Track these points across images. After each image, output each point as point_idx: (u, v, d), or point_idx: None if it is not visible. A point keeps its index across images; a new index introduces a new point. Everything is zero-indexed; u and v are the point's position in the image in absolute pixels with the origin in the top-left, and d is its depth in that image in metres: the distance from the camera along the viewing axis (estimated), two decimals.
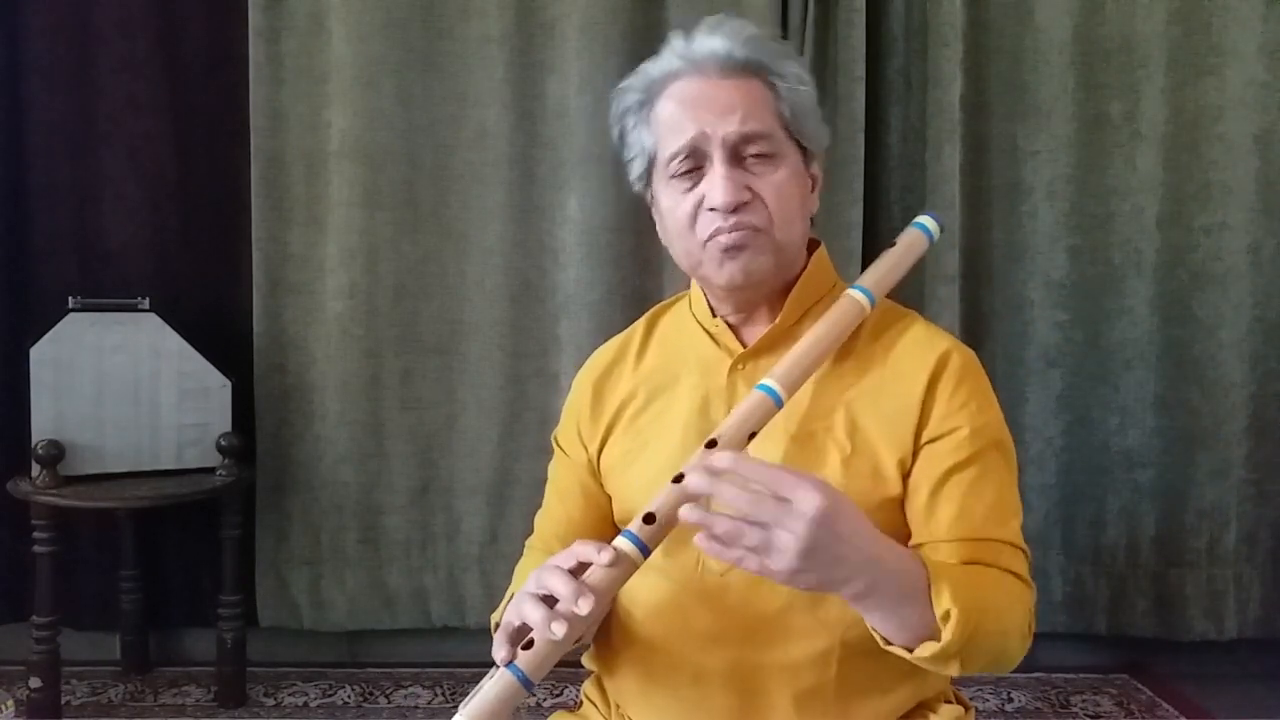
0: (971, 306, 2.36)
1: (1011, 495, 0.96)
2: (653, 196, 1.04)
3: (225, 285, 2.33)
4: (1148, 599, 2.37)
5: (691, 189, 0.97)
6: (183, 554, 2.34)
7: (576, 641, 0.91)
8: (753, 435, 0.86)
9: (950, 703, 1.04)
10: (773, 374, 0.89)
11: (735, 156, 0.96)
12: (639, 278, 2.30)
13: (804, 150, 1.01)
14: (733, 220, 0.95)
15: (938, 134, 2.29)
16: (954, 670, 0.86)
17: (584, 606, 0.79)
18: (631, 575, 0.84)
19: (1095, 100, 2.32)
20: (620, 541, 0.82)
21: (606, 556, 0.81)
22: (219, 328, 2.29)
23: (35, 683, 2.03)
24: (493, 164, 2.30)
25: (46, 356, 2.07)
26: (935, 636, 0.83)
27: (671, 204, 0.99)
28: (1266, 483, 2.35)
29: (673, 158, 0.97)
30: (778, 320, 1.00)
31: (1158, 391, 2.34)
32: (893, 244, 1.00)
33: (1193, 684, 2.30)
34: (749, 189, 0.95)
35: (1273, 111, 2.29)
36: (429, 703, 2.22)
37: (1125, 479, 2.36)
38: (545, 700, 2.21)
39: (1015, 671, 2.36)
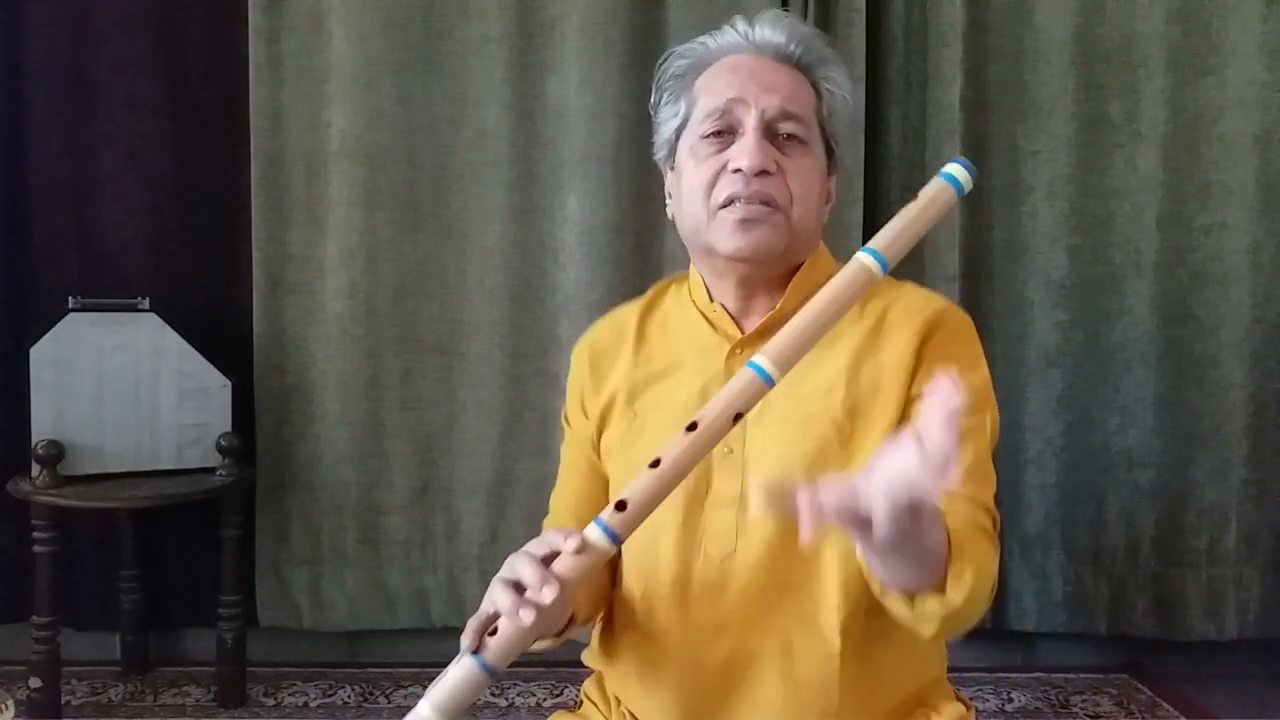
0: (971, 306, 2.35)
1: (987, 460, 0.96)
2: (673, 166, 1.05)
3: (225, 285, 2.33)
4: (1148, 599, 2.37)
5: (716, 154, 0.98)
6: (183, 554, 2.34)
7: (557, 636, 0.92)
8: (739, 417, 0.80)
9: (952, 701, 1.04)
10: (765, 350, 0.80)
11: (769, 132, 0.97)
12: (639, 278, 2.29)
13: (830, 157, 1.03)
14: (753, 187, 0.95)
15: (938, 134, 2.29)
16: (929, 630, 0.85)
17: (547, 595, 0.77)
18: (601, 563, 0.82)
19: (1095, 100, 2.32)
20: (590, 530, 0.80)
21: (573, 544, 0.80)
22: (219, 328, 2.29)
23: (35, 683, 2.02)
24: (493, 164, 2.30)
25: (46, 356, 2.07)
26: (940, 590, 0.82)
27: (693, 166, 1.00)
28: (1266, 483, 2.35)
29: (707, 116, 0.99)
30: (778, 306, 1.00)
31: (1158, 391, 2.34)
32: (914, 197, 0.86)
33: (1193, 684, 2.30)
34: (777, 162, 0.97)
35: (1273, 111, 2.30)
36: None
37: (1125, 479, 2.36)
38: (545, 700, 2.21)
39: (1015, 671, 2.39)
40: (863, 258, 0.82)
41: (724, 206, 0.97)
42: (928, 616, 0.83)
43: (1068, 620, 2.37)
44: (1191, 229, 2.33)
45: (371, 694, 2.25)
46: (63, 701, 2.10)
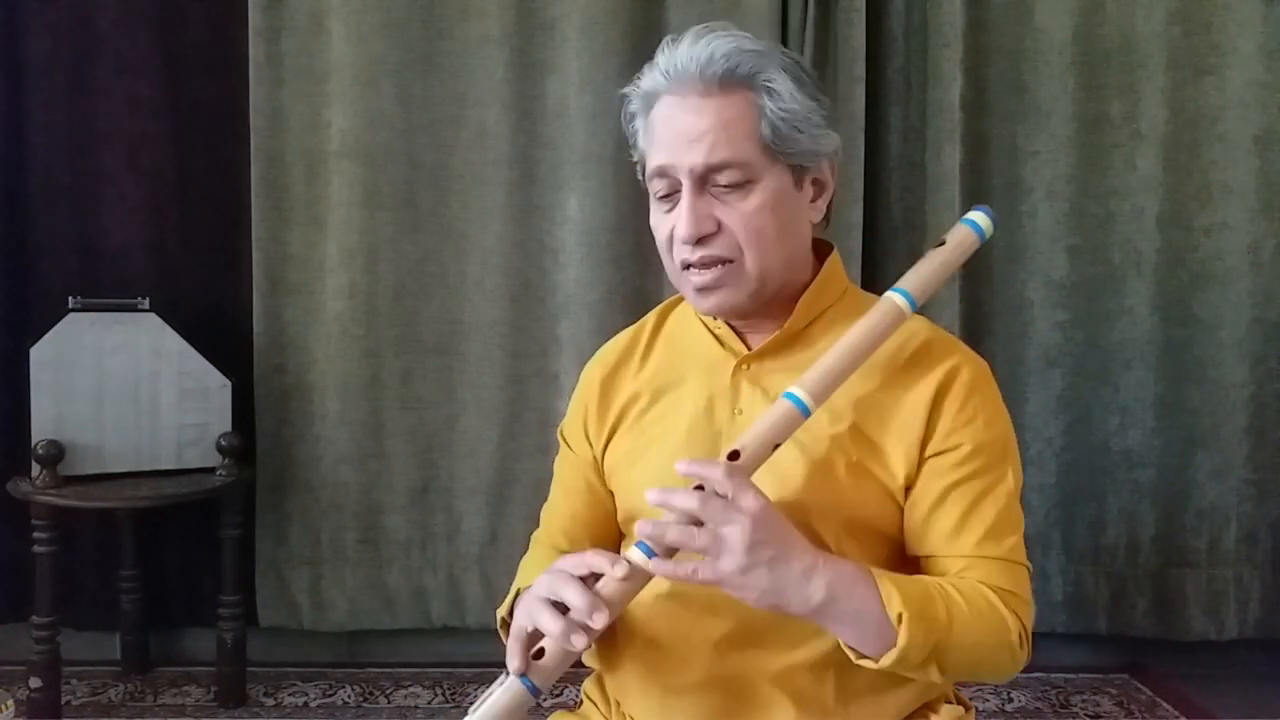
0: (971, 306, 2.35)
1: (1012, 512, 0.96)
2: None
3: (225, 285, 2.33)
4: (1148, 599, 2.37)
5: (667, 214, 0.97)
6: (183, 554, 2.34)
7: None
8: (776, 446, 0.85)
9: (951, 703, 1.04)
10: (801, 383, 0.85)
11: (702, 185, 0.94)
12: (639, 278, 2.30)
13: (796, 169, 0.96)
14: (699, 254, 0.94)
15: (938, 134, 2.29)
16: (935, 676, 0.87)
17: (599, 621, 0.79)
18: (644, 586, 0.84)
19: (1095, 100, 2.32)
20: (634, 553, 0.81)
21: (621, 570, 0.81)
22: (219, 328, 2.29)
23: (35, 683, 2.03)
24: (493, 164, 2.30)
25: (46, 356, 2.07)
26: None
27: (656, 222, 1.00)
28: (1266, 483, 2.35)
29: (653, 176, 0.98)
30: (786, 325, 1.00)
31: (1158, 391, 2.34)
32: (940, 242, 0.94)
33: (1193, 684, 2.30)
34: (716, 218, 0.94)
35: (1273, 111, 2.29)
36: (429, 703, 2.22)
37: (1125, 479, 2.36)
38: (545, 700, 2.20)
39: None
40: (894, 297, 0.90)
41: (684, 269, 0.97)
42: (904, 665, 0.85)
43: (1068, 620, 2.37)
44: (1191, 229, 2.33)
45: (371, 694, 2.25)
46: (63, 701, 2.10)
